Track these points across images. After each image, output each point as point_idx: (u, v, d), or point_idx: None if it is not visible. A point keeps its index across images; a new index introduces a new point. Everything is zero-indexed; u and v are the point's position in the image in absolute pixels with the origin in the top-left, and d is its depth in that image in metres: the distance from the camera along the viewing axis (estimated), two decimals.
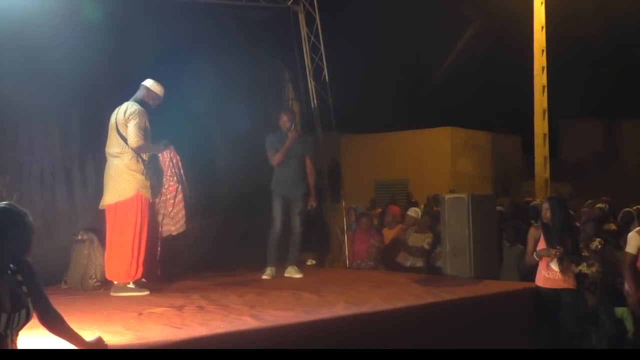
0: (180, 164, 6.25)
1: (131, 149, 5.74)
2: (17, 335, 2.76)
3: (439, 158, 18.40)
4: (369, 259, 8.19)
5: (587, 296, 6.73)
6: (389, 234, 8.64)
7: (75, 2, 6.60)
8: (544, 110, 14.82)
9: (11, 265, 2.76)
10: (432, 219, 8.34)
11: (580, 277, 6.28)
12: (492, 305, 5.58)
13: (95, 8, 6.58)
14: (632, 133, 22.76)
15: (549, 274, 5.73)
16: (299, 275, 6.95)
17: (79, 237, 6.28)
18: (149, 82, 5.99)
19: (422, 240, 8.03)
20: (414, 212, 8.89)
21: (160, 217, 6.27)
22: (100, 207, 5.88)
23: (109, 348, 3.33)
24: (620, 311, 6.76)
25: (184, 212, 6.25)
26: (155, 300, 5.32)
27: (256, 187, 7.39)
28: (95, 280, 6.09)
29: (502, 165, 19.47)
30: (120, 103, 5.93)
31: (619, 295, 6.58)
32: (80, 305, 5.07)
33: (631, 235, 5.73)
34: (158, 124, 6.02)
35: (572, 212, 7.62)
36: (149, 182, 5.85)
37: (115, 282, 5.78)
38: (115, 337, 3.81)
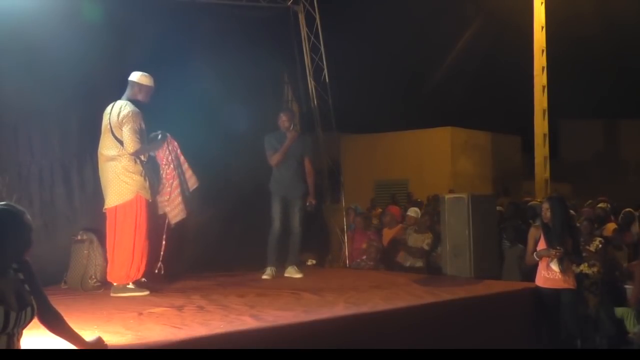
0: (178, 150, 6.13)
1: (128, 154, 5.67)
2: (21, 334, 2.77)
3: (439, 158, 18.39)
4: (369, 259, 8.19)
5: (588, 297, 6.73)
6: (388, 234, 8.64)
7: (75, 2, 6.59)
8: (544, 110, 14.82)
9: (13, 265, 2.77)
10: (432, 219, 8.34)
11: (580, 278, 6.28)
12: (492, 305, 5.58)
13: (95, 8, 6.57)
14: (632, 133, 22.75)
15: (549, 274, 5.73)
16: (299, 275, 6.95)
17: (79, 237, 6.28)
18: (135, 76, 5.85)
19: (421, 241, 8.03)
20: (413, 212, 8.89)
21: (162, 206, 6.18)
22: (104, 210, 5.85)
23: (109, 348, 3.33)
24: (620, 311, 6.77)
25: (180, 198, 6.11)
26: (155, 300, 5.32)
27: (256, 187, 7.39)
28: (95, 280, 6.09)
29: (502, 165, 19.46)
30: (117, 101, 5.87)
31: (619, 296, 6.59)
32: (80, 305, 5.07)
33: None
34: (158, 124, 6.00)
35: (572, 212, 7.63)
36: (147, 183, 5.82)
37: (115, 284, 5.78)
38: (115, 337, 3.81)
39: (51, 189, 6.51)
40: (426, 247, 7.96)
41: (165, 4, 7.24)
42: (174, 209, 6.13)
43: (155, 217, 6.11)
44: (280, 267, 7.07)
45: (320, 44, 8.61)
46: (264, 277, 6.85)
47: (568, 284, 5.73)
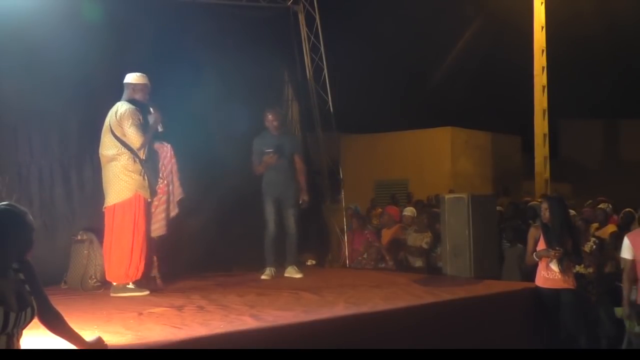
0: (175, 167, 6.16)
1: (136, 149, 5.74)
2: (21, 334, 2.77)
3: (439, 158, 18.39)
4: (370, 259, 8.19)
5: (586, 297, 6.73)
6: (387, 234, 8.63)
7: (75, 2, 6.60)
8: (544, 110, 14.82)
9: (13, 265, 2.77)
10: (429, 218, 8.34)
11: (577, 278, 6.28)
12: (492, 305, 5.58)
13: (95, 8, 6.58)
14: (632, 133, 22.73)
15: (549, 274, 5.73)
16: (299, 275, 6.95)
17: (79, 238, 6.29)
18: (129, 77, 5.93)
19: (420, 240, 8.03)
20: (409, 211, 8.89)
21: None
22: (103, 209, 5.88)
23: (109, 348, 3.33)
24: (620, 311, 6.75)
25: (164, 215, 6.11)
26: (155, 300, 5.33)
27: (256, 186, 7.38)
28: (95, 280, 6.10)
29: (502, 165, 19.45)
30: (116, 103, 5.91)
31: (619, 296, 6.58)
32: (80, 305, 5.08)
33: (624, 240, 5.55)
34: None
35: (572, 212, 7.63)
36: (147, 182, 5.85)
37: (115, 283, 5.78)
38: (115, 337, 3.81)
39: (51, 189, 6.52)
40: (425, 246, 7.96)
41: (165, 3, 7.25)
42: (155, 223, 6.09)
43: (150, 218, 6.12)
44: (280, 267, 7.07)
45: (320, 44, 8.61)
46: (263, 277, 6.85)
47: (568, 284, 5.73)
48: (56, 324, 2.96)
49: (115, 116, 5.75)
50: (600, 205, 8.94)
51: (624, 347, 5.10)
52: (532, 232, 5.95)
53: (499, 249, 7.22)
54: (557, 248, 5.63)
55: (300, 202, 7.12)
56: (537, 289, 5.80)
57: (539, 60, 14.68)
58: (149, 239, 5.90)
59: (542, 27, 14.69)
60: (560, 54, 16.75)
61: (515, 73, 17.58)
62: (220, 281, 6.47)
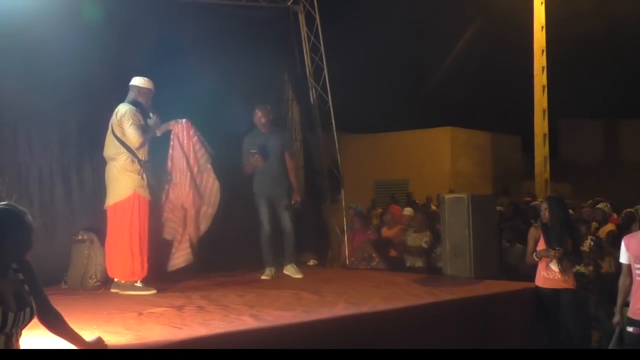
0: (197, 145, 6.34)
1: (135, 149, 5.81)
2: (20, 334, 2.77)
3: (439, 158, 18.40)
4: (361, 258, 8.17)
5: (586, 296, 6.73)
6: (387, 233, 8.64)
7: (75, 2, 6.59)
8: (544, 110, 14.82)
9: (13, 265, 2.77)
10: (426, 217, 8.34)
11: (577, 277, 6.28)
12: (492, 305, 5.58)
13: (95, 8, 6.57)
14: (632, 133, 22.75)
15: (549, 274, 5.73)
16: (299, 276, 6.94)
17: (79, 237, 6.29)
18: (135, 80, 6.01)
19: (420, 240, 8.02)
20: (408, 211, 8.88)
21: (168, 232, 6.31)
22: (105, 208, 5.96)
23: (109, 348, 3.33)
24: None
25: (188, 244, 6.33)
26: (155, 300, 5.33)
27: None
28: (95, 280, 6.11)
29: (502, 165, 19.46)
30: (119, 104, 5.96)
31: None
32: (80, 305, 5.07)
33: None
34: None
35: (572, 212, 7.63)
36: (146, 182, 5.91)
37: (123, 281, 5.84)
38: (115, 337, 3.81)
39: (50, 189, 6.52)
40: (425, 245, 7.96)
41: (166, 3, 7.24)
42: (179, 250, 6.31)
43: (156, 218, 6.14)
44: (279, 266, 7.06)
45: (320, 44, 8.61)
46: (263, 277, 6.84)
47: (568, 284, 5.74)
48: (56, 324, 2.96)
49: (116, 117, 5.84)
50: (599, 205, 8.96)
51: (611, 346, 5.01)
52: (532, 232, 5.95)
53: (499, 249, 7.21)
54: (557, 248, 5.63)
55: (292, 202, 7.05)
56: (537, 289, 5.80)
57: (539, 60, 14.68)
58: (149, 237, 5.94)
59: (542, 27, 14.69)
60: (560, 54, 16.76)
61: (515, 73, 17.59)
62: (220, 281, 6.47)
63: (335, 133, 8.81)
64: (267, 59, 8.01)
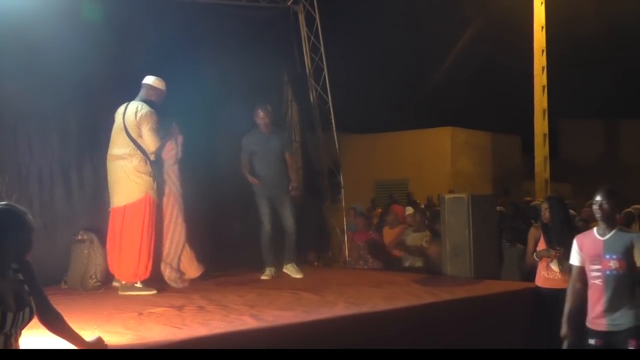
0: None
1: (149, 153, 5.78)
2: (19, 334, 2.77)
3: (439, 158, 18.41)
4: (353, 258, 8.15)
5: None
6: (389, 233, 8.62)
7: (75, 2, 6.59)
8: (544, 110, 14.81)
9: (12, 265, 2.77)
10: (424, 216, 8.34)
11: None
12: (492, 305, 5.58)
13: (95, 8, 6.57)
14: (632, 133, 22.75)
15: (549, 274, 5.73)
16: (298, 275, 6.94)
17: (79, 237, 6.29)
18: (150, 80, 5.98)
19: (420, 239, 8.02)
20: (409, 210, 8.88)
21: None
22: (109, 209, 5.92)
23: (109, 348, 3.33)
24: None
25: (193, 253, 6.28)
26: (155, 300, 5.33)
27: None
28: (95, 280, 6.10)
29: (502, 165, 19.47)
30: (119, 104, 5.93)
31: None
32: (80, 305, 5.07)
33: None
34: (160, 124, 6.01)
35: (573, 212, 7.62)
36: (155, 183, 5.90)
37: (123, 282, 5.83)
38: (115, 337, 3.82)
39: (50, 189, 6.51)
40: (425, 245, 7.95)
41: (165, 3, 7.24)
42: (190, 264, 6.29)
43: (161, 218, 6.14)
44: (279, 266, 7.06)
45: (320, 44, 8.61)
46: (263, 277, 6.84)
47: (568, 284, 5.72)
48: (56, 324, 2.96)
49: (135, 116, 5.75)
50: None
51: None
52: (532, 232, 5.95)
53: (499, 249, 7.21)
54: (557, 248, 5.63)
55: (290, 188, 7.00)
56: (537, 289, 5.79)
57: (539, 60, 14.68)
58: (157, 239, 5.94)
59: (542, 27, 14.68)
60: (560, 54, 16.76)
61: (515, 73, 17.60)
62: (220, 281, 6.47)
63: (335, 133, 8.82)
64: (267, 59, 8.02)
